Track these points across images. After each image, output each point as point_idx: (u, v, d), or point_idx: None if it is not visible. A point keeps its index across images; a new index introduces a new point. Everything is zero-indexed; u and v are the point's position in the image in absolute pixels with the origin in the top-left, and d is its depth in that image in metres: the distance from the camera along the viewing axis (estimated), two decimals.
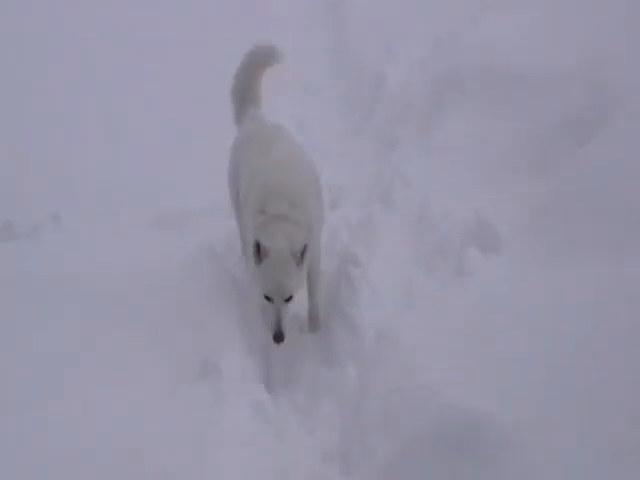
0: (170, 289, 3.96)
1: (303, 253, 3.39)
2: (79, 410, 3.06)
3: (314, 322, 4.04)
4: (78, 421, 3.02)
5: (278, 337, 3.39)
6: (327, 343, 3.97)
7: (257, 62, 4.40)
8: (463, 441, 2.73)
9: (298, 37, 6.77)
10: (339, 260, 4.34)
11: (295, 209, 3.51)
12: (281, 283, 3.38)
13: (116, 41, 7.30)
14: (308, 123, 6.31)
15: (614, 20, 5.07)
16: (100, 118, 6.10)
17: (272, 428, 3.46)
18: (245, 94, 4.40)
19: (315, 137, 6.04)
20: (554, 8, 5.57)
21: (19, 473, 2.70)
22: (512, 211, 4.22)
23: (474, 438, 2.70)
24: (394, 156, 5.44)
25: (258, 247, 3.35)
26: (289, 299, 3.43)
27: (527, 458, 2.50)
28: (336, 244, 4.51)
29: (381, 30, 7.01)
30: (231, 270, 4.35)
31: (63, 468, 2.76)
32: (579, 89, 4.65)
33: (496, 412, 2.71)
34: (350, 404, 3.44)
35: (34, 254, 4.28)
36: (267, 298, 3.42)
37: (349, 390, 3.54)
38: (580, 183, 3.99)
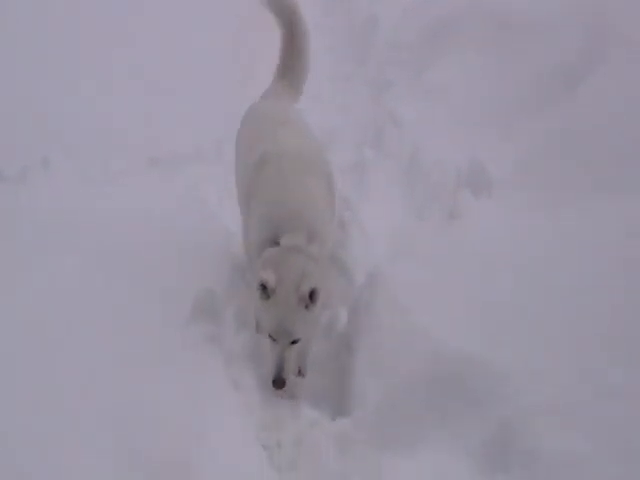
0: (167, 240, 3.94)
1: (314, 296, 3.00)
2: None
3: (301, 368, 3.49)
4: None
5: (278, 383, 3.03)
6: None
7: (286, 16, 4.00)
8: (452, 381, 2.78)
9: None
10: None
11: (313, 241, 3.10)
12: (287, 326, 3.01)
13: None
14: None
15: None
16: (90, 64, 6.03)
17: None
18: (289, 63, 4.03)
19: (307, 80, 5.99)
20: None
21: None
22: (505, 153, 4.22)
23: (463, 379, 2.75)
24: (387, 99, 5.44)
25: (264, 285, 2.98)
26: (295, 341, 3.06)
27: (514, 400, 2.56)
28: None
29: None
30: (220, 218, 4.29)
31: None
32: (568, 34, 4.65)
33: (484, 354, 2.76)
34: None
35: (22, 198, 4.24)
36: (270, 336, 3.07)
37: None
38: (574, 124, 4.00)
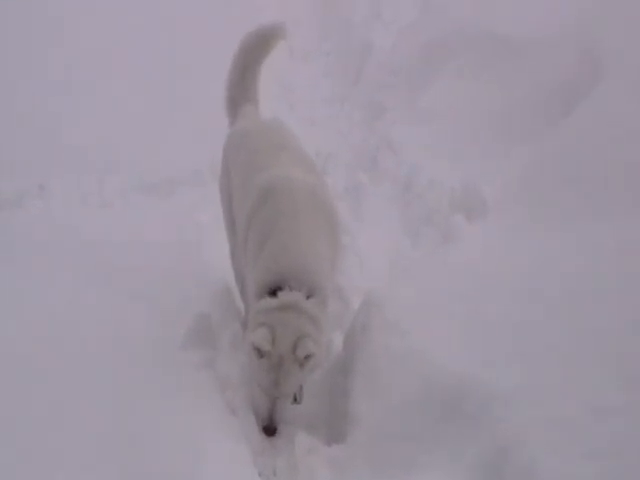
0: (158, 260, 3.94)
1: (309, 359, 2.90)
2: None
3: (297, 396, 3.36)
4: None
5: (270, 431, 3.00)
6: None
7: (261, 40, 3.84)
8: (448, 403, 2.78)
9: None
10: None
11: (312, 298, 2.95)
12: (280, 387, 2.94)
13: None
14: (295, 89, 6.30)
15: None
16: (85, 88, 6.03)
17: None
18: (241, 89, 3.86)
19: (303, 104, 6.03)
20: None
21: None
22: (499, 178, 4.25)
23: (459, 400, 2.74)
24: (381, 123, 5.47)
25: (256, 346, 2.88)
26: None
27: (510, 420, 2.54)
28: None
29: None
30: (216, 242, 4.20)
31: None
32: (564, 55, 4.69)
33: (480, 374, 2.76)
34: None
35: (19, 223, 4.26)
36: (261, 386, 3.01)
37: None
38: (566, 150, 4.03)
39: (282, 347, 2.87)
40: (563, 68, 4.61)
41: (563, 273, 3.14)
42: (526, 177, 4.12)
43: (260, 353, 2.88)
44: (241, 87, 3.84)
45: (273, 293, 2.93)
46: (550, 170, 4.01)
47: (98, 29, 6.86)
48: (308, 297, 2.94)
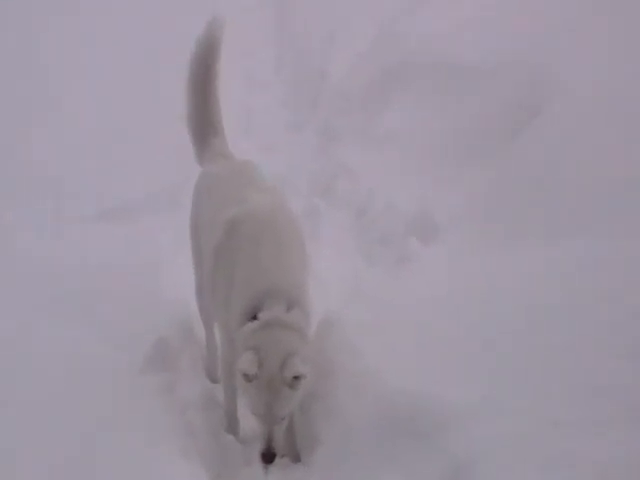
0: (120, 289, 3.92)
1: (298, 378, 2.83)
2: None
3: (293, 450, 3.26)
4: None
5: (268, 457, 2.87)
6: None
7: (207, 52, 3.73)
8: (403, 422, 2.79)
9: (241, 29, 6.74)
10: None
11: (293, 309, 2.93)
12: (272, 410, 2.83)
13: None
14: (253, 117, 6.32)
15: (548, 13, 5.23)
16: (40, 114, 5.97)
17: None
18: (203, 123, 3.80)
19: (261, 130, 6.06)
20: (490, 3, 5.68)
21: None
22: (451, 200, 4.32)
23: (414, 419, 2.76)
24: (338, 149, 5.51)
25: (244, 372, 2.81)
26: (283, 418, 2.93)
27: (464, 436, 2.57)
28: None
29: (324, 23, 7.07)
30: (174, 267, 4.22)
31: None
32: (513, 81, 4.78)
33: (434, 392, 2.78)
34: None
35: None
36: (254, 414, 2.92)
37: None
38: (515, 173, 4.11)
39: (270, 369, 2.79)
40: (510, 96, 4.71)
41: (514, 289, 3.21)
42: (477, 199, 4.21)
43: (248, 377, 2.80)
44: (203, 114, 3.80)
45: (254, 317, 2.89)
46: (500, 192, 4.10)
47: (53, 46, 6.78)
48: (289, 309, 2.91)
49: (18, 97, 5.96)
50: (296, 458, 3.20)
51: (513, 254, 3.52)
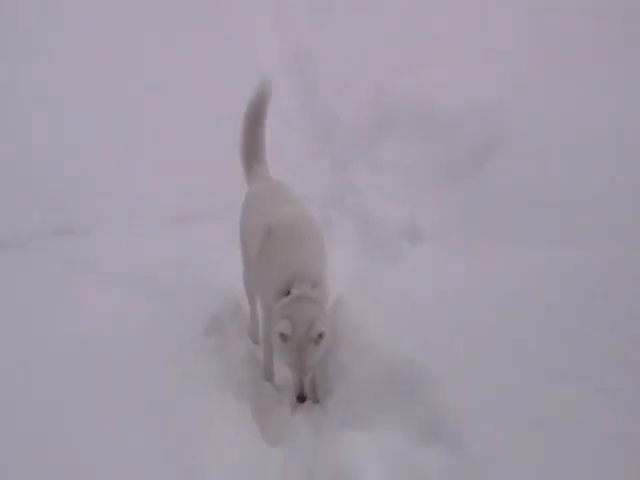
0: (186, 277, 3.96)
1: (321, 336, 2.93)
2: None
3: (314, 396, 3.33)
4: None
5: (300, 399, 2.98)
6: None
7: (260, 101, 3.75)
8: (394, 380, 2.83)
9: (276, 83, 6.77)
10: None
11: (315, 288, 3.02)
12: (302, 361, 2.94)
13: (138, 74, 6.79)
14: (283, 148, 6.32)
15: (513, 70, 5.21)
16: (125, 141, 5.79)
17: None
18: (252, 155, 3.83)
19: (289, 158, 6.06)
20: (463, 65, 5.68)
21: None
22: (431, 214, 4.33)
23: (402, 378, 2.79)
24: (346, 173, 5.51)
25: (282, 334, 2.91)
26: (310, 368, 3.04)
27: (441, 393, 2.63)
28: None
29: (337, 80, 7.07)
30: (225, 264, 4.19)
31: None
32: (478, 125, 4.75)
33: (419, 359, 2.82)
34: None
35: (87, 249, 4.27)
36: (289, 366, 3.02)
37: None
38: (479, 194, 4.10)
39: (300, 331, 2.88)
40: (476, 135, 4.68)
41: (480, 277, 3.24)
42: (451, 215, 4.21)
43: (284, 338, 2.89)
44: (252, 148, 3.82)
45: (287, 293, 2.99)
46: (469, 209, 4.10)
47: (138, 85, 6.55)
48: (312, 288, 3.00)
49: (112, 126, 5.85)
50: (316, 401, 3.27)
51: (476, 254, 3.54)
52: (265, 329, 3.32)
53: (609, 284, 2.86)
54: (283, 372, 3.18)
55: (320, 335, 2.91)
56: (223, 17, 8.27)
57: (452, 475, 2.29)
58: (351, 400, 3.02)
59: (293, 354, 2.92)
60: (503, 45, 5.54)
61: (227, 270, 4.03)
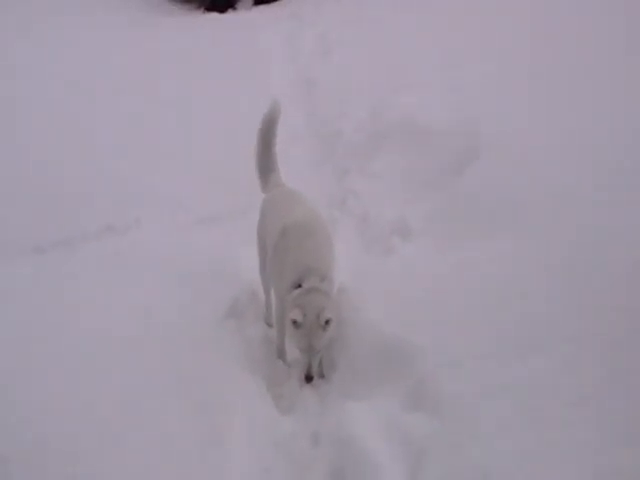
0: (210, 269, 3.98)
1: (328, 322, 2.92)
2: None
3: (320, 371, 3.26)
4: None
5: (308, 379, 2.97)
6: None
7: (271, 119, 3.74)
8: (388, 354, 2.89)
9: (287, 105, 6.78)
10: None
11: (324, 281, 3.01)
12: (312, 345, 2.92)
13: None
14: (290, 160, 6.31)
15: (489, 88, 5.22)
16: (157, 151, 5.89)
17: None
18: (266, 165, 3.79)
19: (297, 168, 6.04)
20: (446, 88, 5.70)
21: None
22: (419, 213, 4.32)
23: (393, 352, 2.86)
24: (347, 180, 5.50)
25: (294, 321, 2.89)
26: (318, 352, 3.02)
27: (426, 364, 2.68)
28: None
29: (337, 99, 7.09)
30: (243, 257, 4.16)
31: None
32: (458, 136, 4.75)
33: (408, 336, 2.86)
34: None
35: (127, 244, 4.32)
36: (300, 350, 3.00)
37: None
38: (460, 196, 4.11)
39: (310, 318, 2.87)
40: (457, 146, 4.67)
41: (461, 267, 3.28)
42: (436, 214, 4.20)
43: (296, 325, 2.89)
44: (266, 160, 3.83)
45: (299, 285, 2.98)
46: (453, 208, 4.11)
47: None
48: (321, 281, 2.98)
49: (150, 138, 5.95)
50: (321, 376, 3.25)
51: (458, 246, 3.55)
52: (278, 314, 3.32)
53: (567, 269, 2.92)
54: (294, 352, 3.20)
55: (327, 322, 2.89)
56: (244, 49, 8.82)
57: (433, 436, 2.37)
58: (352, 374, 3.05)
59: (304, 339, 2.91)
60: (485, 69, 5.56)
61: (245, 263, 4.02)
